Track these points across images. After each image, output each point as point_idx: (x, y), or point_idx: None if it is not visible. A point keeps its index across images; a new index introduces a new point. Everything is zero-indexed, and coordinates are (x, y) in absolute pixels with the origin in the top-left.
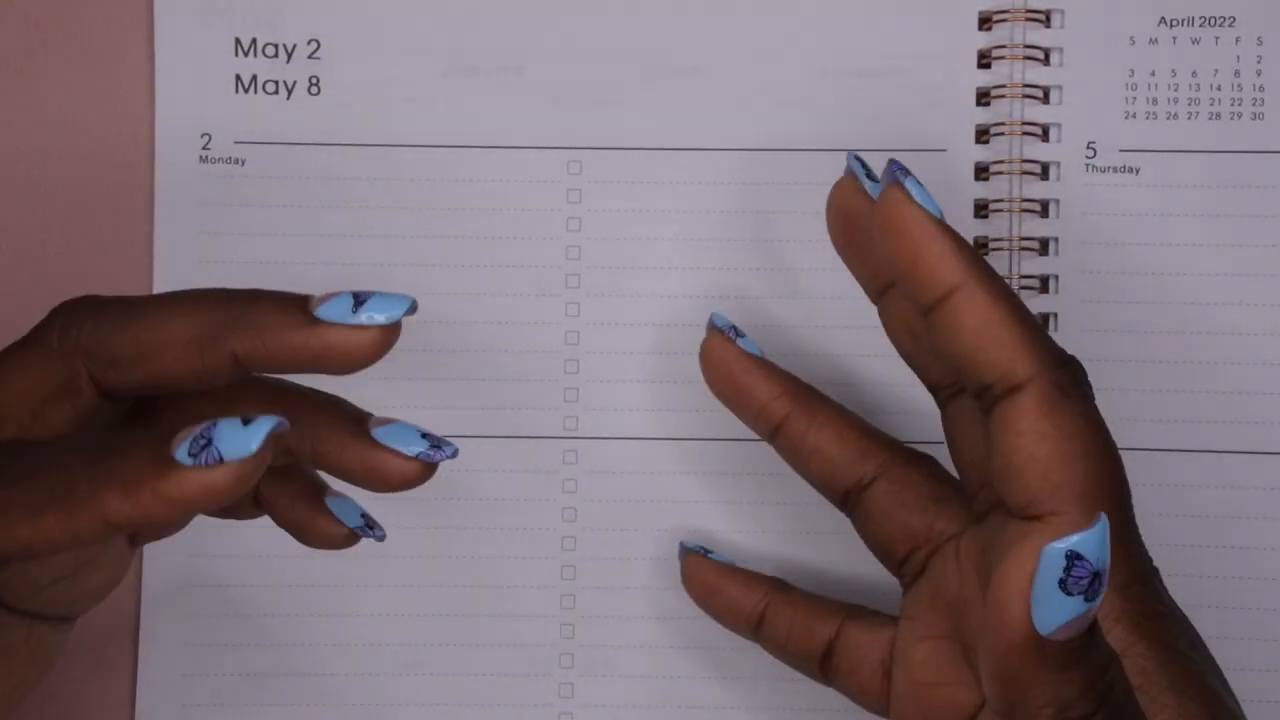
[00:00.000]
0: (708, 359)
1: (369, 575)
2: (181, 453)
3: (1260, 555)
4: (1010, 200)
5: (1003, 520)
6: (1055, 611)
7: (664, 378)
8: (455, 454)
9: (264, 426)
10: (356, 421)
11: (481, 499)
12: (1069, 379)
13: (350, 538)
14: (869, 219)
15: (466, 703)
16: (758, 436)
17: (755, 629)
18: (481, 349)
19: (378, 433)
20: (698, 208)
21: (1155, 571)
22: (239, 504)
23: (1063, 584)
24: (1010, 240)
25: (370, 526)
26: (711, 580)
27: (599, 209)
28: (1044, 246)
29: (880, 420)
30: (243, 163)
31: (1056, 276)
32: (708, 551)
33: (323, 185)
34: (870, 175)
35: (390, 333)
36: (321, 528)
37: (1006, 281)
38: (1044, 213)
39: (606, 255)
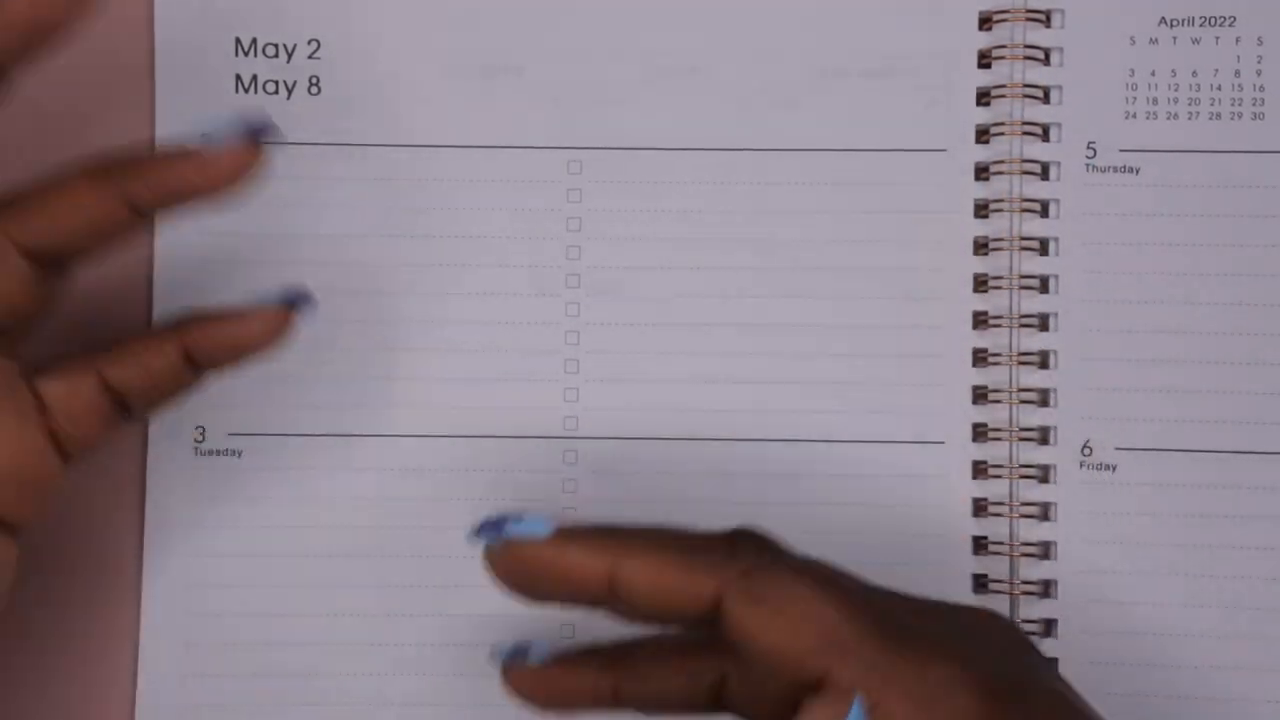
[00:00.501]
0: (519, 693)
1: (369, 575)
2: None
3: (1260, 555)
4: (1010, 200)
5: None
6: None
7: (664, 378)
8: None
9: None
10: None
11: (482, 499)
12: (748, 556)
13: (286, 313)
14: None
15: (466, 703)
16: (756, 437)
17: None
18: (481, 349)
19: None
20: (698, 208)
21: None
22: (178, 377)
23: None
24: (1010, 240)
25: (297, 298)
26: (541, 691)
27: (599, 209)
28: (1044, 246)
29: (880, 422)
30: None
31: (1056, 276)
32: (524, 652)
33: (323, 185)
34: (508, 528)
35: (252, 153)
36: (254, 325)
37: (644, 526)
38: (1044, 213)
39: (606, 255)
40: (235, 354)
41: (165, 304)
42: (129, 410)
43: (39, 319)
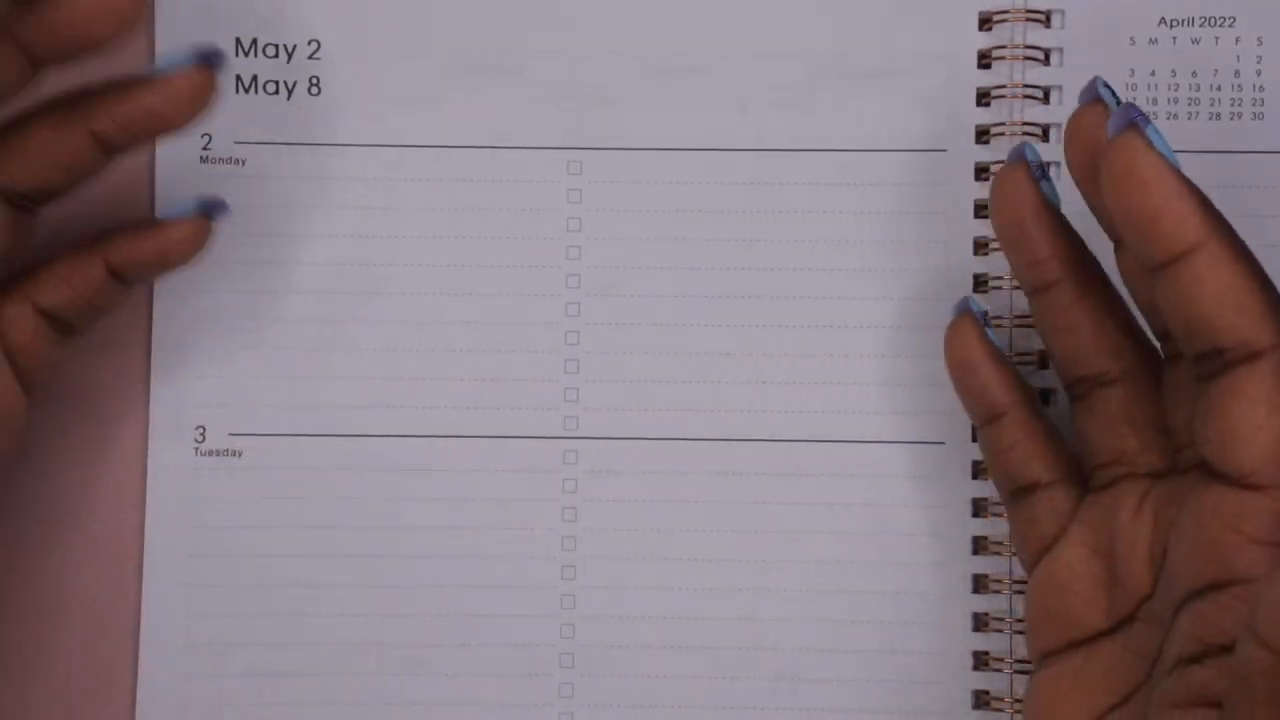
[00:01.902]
0: (1002, 189)
1: (369, 575)
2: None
3: None
4: None
5: (1199, 481)
6: None
7: (664, 378)
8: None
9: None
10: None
11: (481, 499)
12: None
13: (203, 222)
14: (1103, 163)
15: (466, 703)
16: (756, 437)
17: (984, 423)
18: (481, 349)
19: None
20: (698, 208)
21: None
22: (106, 292)
23: None
24: None
25: (211, 206)
26: (973, 357)
27: (599, 209)
28: None
29: (880, 422)
30: (243, 163)
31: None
32: (987, 323)
33: (323, 185)
34: (1115, 104)
35: (207, 77)
36: (173, 234)
37: (1244, 243)
38: None
39: (606, 255)
40: (159, 266)
41: (166, 302)
42: (71, 329)
43: (13, 258)
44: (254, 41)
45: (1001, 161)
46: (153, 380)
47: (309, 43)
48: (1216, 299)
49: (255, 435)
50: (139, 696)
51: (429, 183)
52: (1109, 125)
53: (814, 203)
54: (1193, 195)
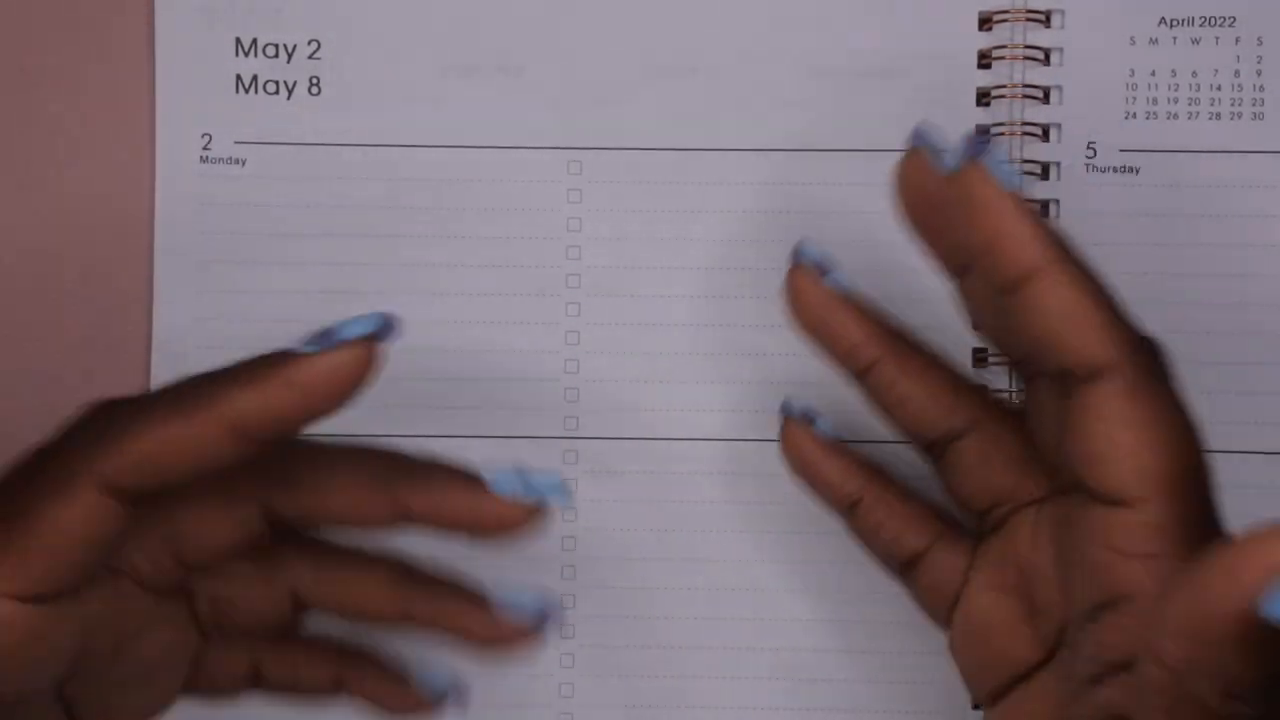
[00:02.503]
0: (794, 294)
1: None
2: (301, 347)
3: None
4: None
5: (1083, 501)
6: None
7: (664, 378)
8: (561, 496)
9: (376, 315)
10: (470, 477)
11: None
12: (1153, 362)
13: (443, 697)
14: (946, 196)
15: (468, 702)
16: (756, 437)
17: (843, 513)
18: (481, 349)
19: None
20: (698, 208)
21: None
22: (317, 682)
23: None
24: None
25: (455, 691)
26: (810, 456)
27: (599, 209)
28: None
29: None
30: (243, 163)
31: None
32: (813, 419)
33: (323, 185)
34: (941, 148)
35: (541, 512)
36: (411, 696)
37: (1088, 263)
38: (1044, 213)
39: (606, 255)
40: (378, 709)
41: (166, 302)
42: (263, 688)
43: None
44: (254, 41)
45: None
46: (153, 380)
47: (309, 43)
48: (1059, 320)
49: None
50: None
51: (429, 183)
52: (954, 157)
53: (814, 203)
54: (1030, 220)
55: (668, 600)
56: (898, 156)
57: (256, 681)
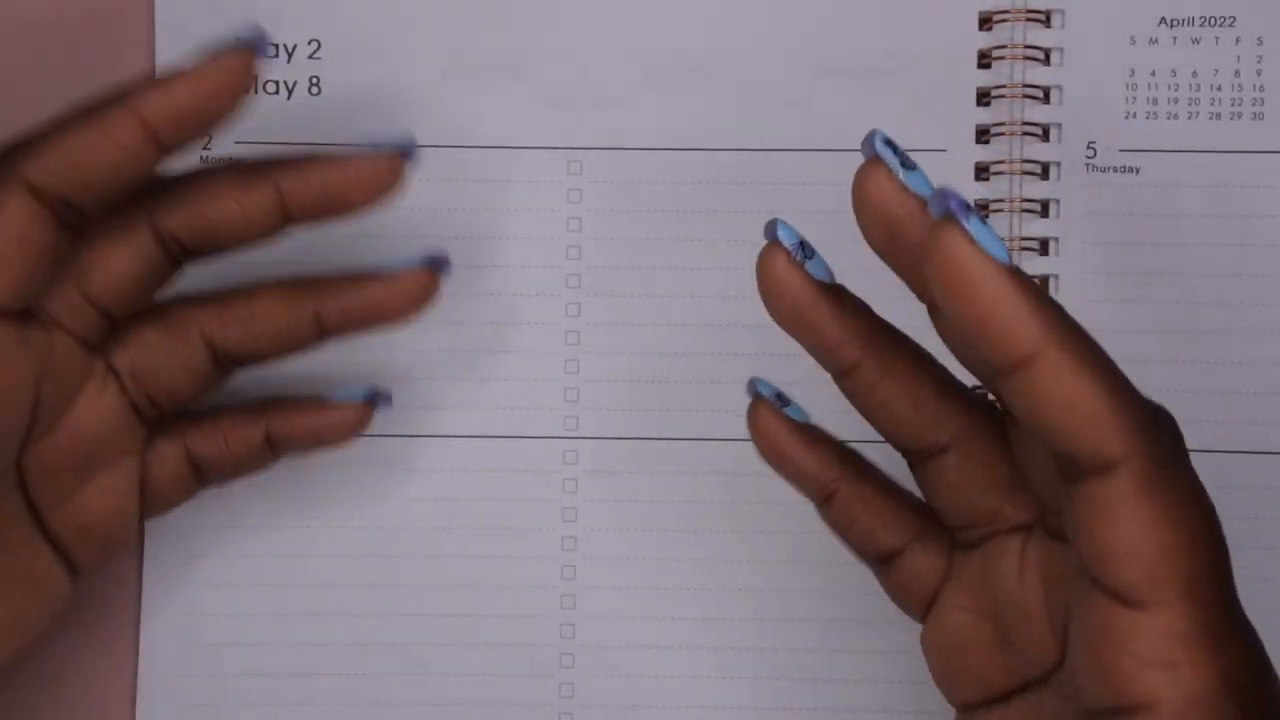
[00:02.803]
0: (769, 281)
1: (369, 575)
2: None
3: (1260, 555)
4: (1010, 200)
5: (1093, 589)
6: None
7: (664, 378)
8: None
9: (258, 32)
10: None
11: (481, 499)
12: (1164, 448)
13: (366, 410)
14: (923, 259)
15: (466, 703)
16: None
17: (817, 504)
18: (481, 349)
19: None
20: (698, 208)
21: (1265, 661)
22: (251, 447)
23: None
24: (1010, 240)
25: (377, 397)
26: (781, 445)
27: (599, 209)
28: (1044, 246)
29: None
30: None
31: (1056, 276)
32: (785, 402)
33: None
34: (905, 162)
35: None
36: (334, 417)
37: (1089, 337)
38: (1044, 213)
39: (606, 255)
40: (314, 445)
41: None
42: (206, 479)
43: (188, 402)
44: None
45: (1002, 162)
46: None
47: (309, 43)
48: (1062, 411)
49: None
50: (139, 696)
51: (430, 183)
52: (933, 210)
53: (814, 203)
54: (1027, 294)
55: (668, 601)
56: (900, 153)
57: (199, 475)
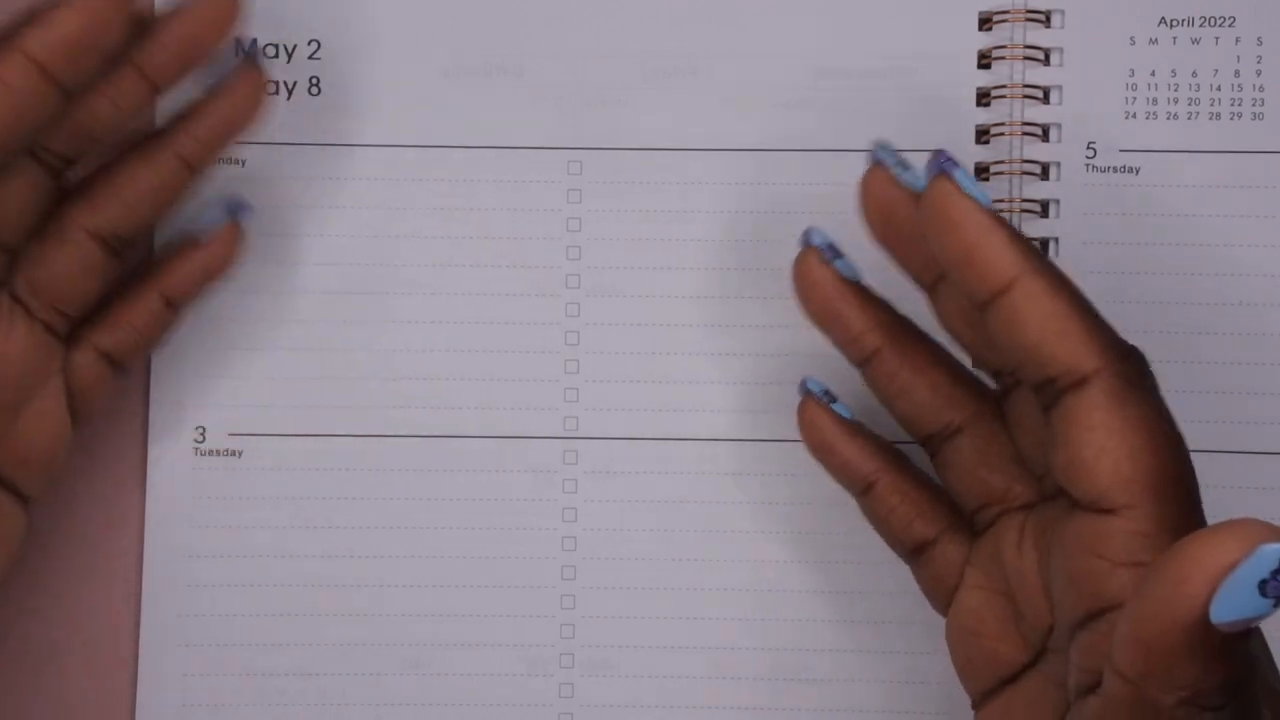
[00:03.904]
0: (802, 278)
1: (369, 575)
2: None
3: None
4: (1010, 200)
5: (1067, 507)
6: (1241, 606)
7: (664, 378)
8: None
9: None
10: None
11: (481, 499)
12: (1134, 370)
13: (234, 229)
14: (917, 211)
15: (466, 703)
16: (756, 437)
17: (858, 495)
18: (481, 349)
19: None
20: (698, 208)
21: None
22: (148, 316)
23: (1263, 585)
24: None
25: (237, 207)
26: (828, 438)
27: (599, 209)
28: (1044, 246)
29: (880, 422)
30: (243, 163)
31: None
32: (832, 399)
33: (323, 185)
34: (902, 164)
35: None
36: (212, 251)
37: (1062, 271)
38: (1044, 213)
39: (606, 255)
40: (206, 283)
41: None
42: (124, 364)
43: (89, 301)
44: (254, 42)
45: (1002, 162)
46: (153, 380)
47: (309, 43)
48: (1038, 330)
49: (255, 435)
50: (139, 696)
51: (429, 183)
52: (924, 173)
53: (814, 203)
54: (1003, 231)
55: (668, 600)
56: (898, 157)
57: (116, 366)
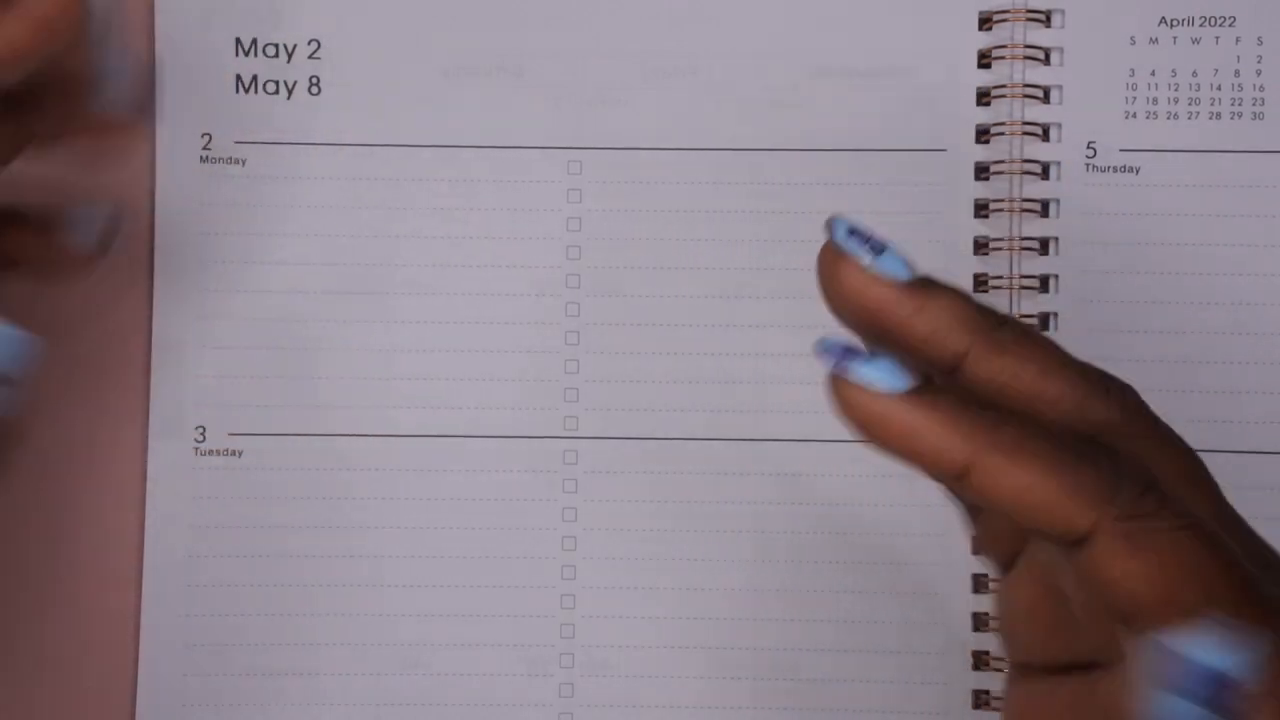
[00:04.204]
0: (843, 293)
1: (369, 575)
2: None
3: None
4: (1010, 200)
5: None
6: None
7: (664, 378)
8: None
9: None
10: None
11: (481, 499)
12: (1131, 493)
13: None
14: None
15: (466, 703)
16: (756, 437)
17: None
18: (481, 349)
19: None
20: (698, 208)
21: None
22: None
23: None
24: (1010, 240)
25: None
26: (910, 425)
27: (599, 209)
28: (1044, 246)
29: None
30: (243, 163)
31: (1056, 276)
32: (854, 354)
33: (323, 185)
34: (874, 246)
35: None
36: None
37: (1024, 420)
38: (1044, 213)
39: (606, 255)
40: (47, 267)
41: (166, 302)
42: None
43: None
44: (254, 41)
45: (1002, 162)
46: (153, 380)
47: (309, 43)
48: (1015, 504)
49: (255, 435)
50: (139, 696)
51: (429, 183)
52: (819, 359)
53: (814, 203)
54: (938, 411)
55: (667, 600)
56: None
57: None
